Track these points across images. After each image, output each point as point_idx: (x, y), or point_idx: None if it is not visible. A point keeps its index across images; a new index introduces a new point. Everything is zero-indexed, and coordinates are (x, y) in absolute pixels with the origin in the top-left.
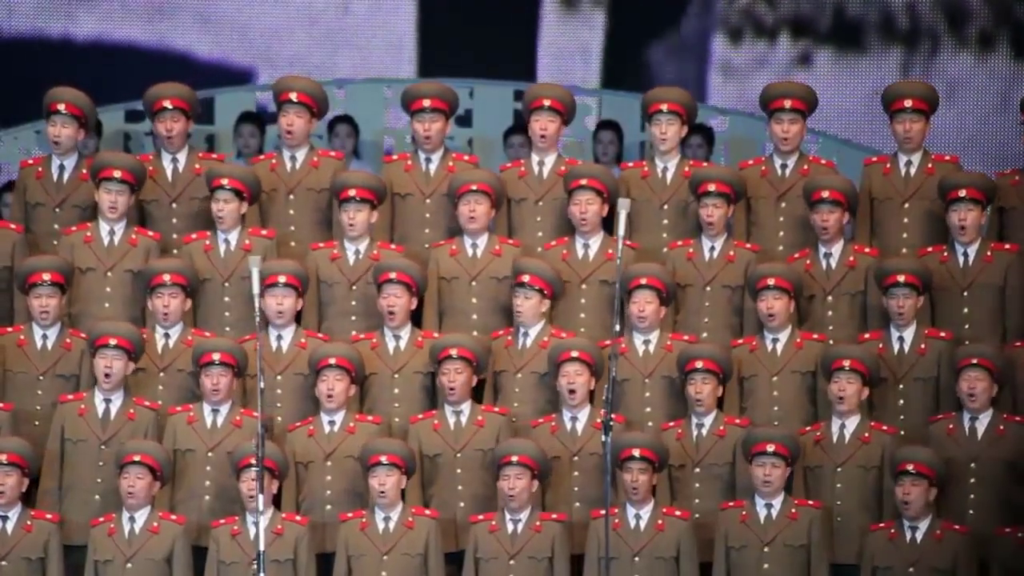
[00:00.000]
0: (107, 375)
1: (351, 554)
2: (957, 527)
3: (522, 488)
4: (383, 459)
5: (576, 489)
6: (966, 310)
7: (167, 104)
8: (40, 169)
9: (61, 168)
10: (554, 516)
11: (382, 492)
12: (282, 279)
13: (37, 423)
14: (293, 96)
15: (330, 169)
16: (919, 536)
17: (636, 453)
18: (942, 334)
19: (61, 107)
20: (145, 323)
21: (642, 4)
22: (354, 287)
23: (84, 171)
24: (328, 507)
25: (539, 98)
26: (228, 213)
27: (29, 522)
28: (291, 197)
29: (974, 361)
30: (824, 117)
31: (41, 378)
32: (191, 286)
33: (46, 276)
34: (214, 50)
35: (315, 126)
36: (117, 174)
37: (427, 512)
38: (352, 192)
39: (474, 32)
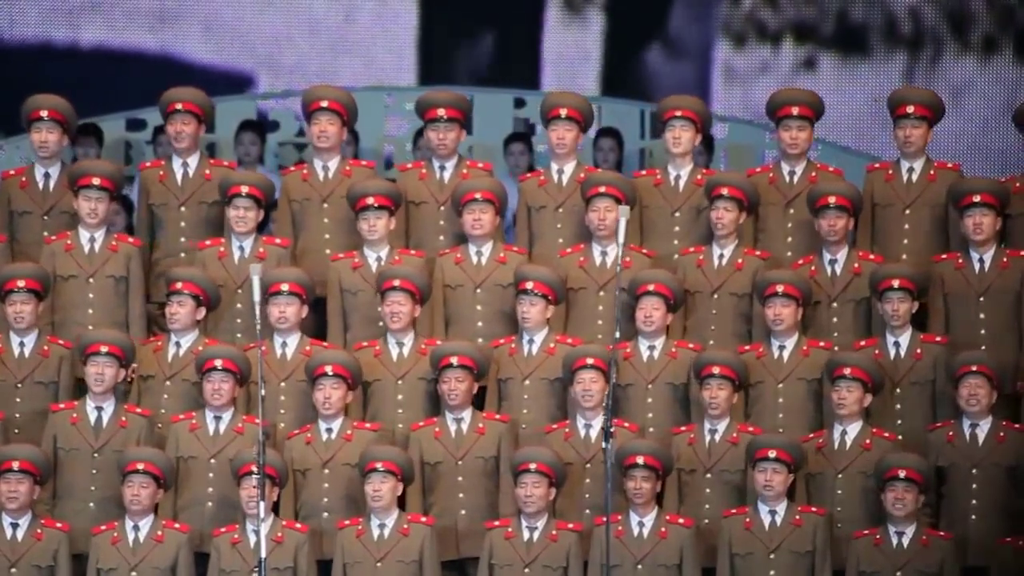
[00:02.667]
0: (98, 381)
1: (347, 561)
2: (942, 533)
3: (539, 496)
4: (379, 466)
5: (587, 496)
6: (982, 316)
7: (178, 106)
8: (24, 179)
9: (46, 176)
10: (570, 526)
11: (376, 498)
12: (285, 287)
13: (18, 431)
14: (324, 103)
15: (363, 178)
16: (906, 541)
17: (640, 460)
18: (938, 339)
19: (44, 114)
20: (129, 328)
21: (642, 9)
22: (378, 294)
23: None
24: (325, 514)
25: (556, 107)
26: (247, 220)
27: (39, 530)
28: (325, 206)
29: (973, 368)
30: (828, 122)
31: (19, 386)
32: (207, 295)
33: (20, 283)
34: (217, 57)
35: (346, 134)
36: (96, 181)
37: (423, 519)
38: (370, 200)
39: (475, 40)
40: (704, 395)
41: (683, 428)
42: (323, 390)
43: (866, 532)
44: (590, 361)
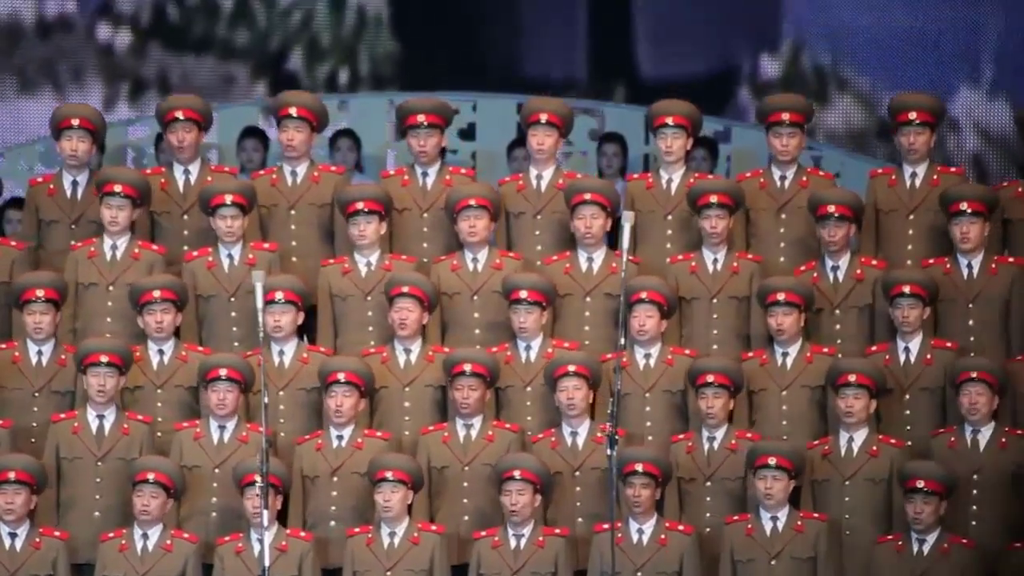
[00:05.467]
0: (100, 391)
1: (356, 570)
2: (964, 541)
3: (524, 503)
4: (389, 475)
5: (578, 504)
6: (971, 322)
7: (179, 115)
8: (52, 186)
9: (74, 184)
10: (557, 531)
11: (387, 507)
12: (279, 295)
13: (33, 440)
14: (293, 111)
15: (331, 184)
16: (926, 549)
17: (639, 468)
18: (948, 345)
19: (75, 122)
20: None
21: None
22: (369, 298)
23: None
24: (332, 523)
25: (536, 112)
26: (235, 229)
27: (38, 539)
28: (292, 212)
29: (973, 375)
30: None
31: (36, 395)
32: (181, 301)
33: (40, 292)
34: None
35: (316, 140)
36: (118, 188)
37: (433, 527)
38: (360, 205)
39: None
40: (700, 404)
41: (681, 436)
42: (335, 397)
43: (890, 537)
44: (571, 369)
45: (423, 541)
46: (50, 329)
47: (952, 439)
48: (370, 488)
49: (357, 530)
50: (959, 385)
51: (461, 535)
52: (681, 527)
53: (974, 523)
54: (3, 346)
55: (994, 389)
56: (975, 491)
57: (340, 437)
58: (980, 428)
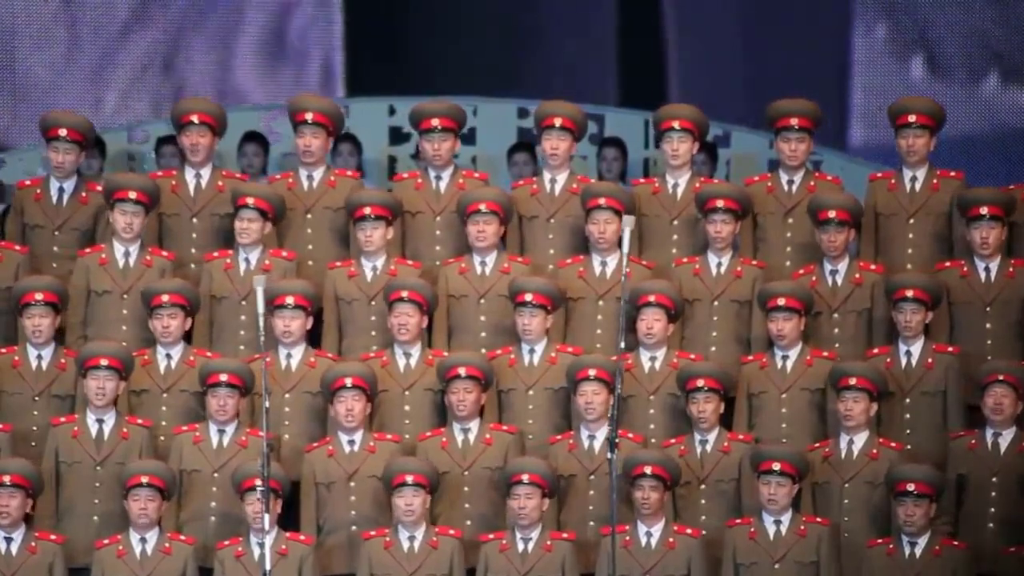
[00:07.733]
0: (99, 395)
1: (375, 573)
2: (956, 543)
3: (533, 507)
4: (409, 479)
5: (591, 508)
6: (989, 325)
7: (194, 118)
8: (38, 191)
9: (60, 190)
10: (564, 535)
11: (409, 511)
12: (290, 300)
13: (33, 444)
14: (309, 116)
15: (347, 188)
16: (918, 551)
17: (648, 471)
18: (949, 348)
19: (62, 132)
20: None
21: None
22: (372, 303)
23: (84, 193)
24: (353, 527)
25: (550, 117)
26: (251, 232)
27: (33, 543)
28: (308, 216)
29: (1000, 377)
30: None
31: (37, 398)
32: (191, 306)
33: (39, 296)
34: None
35: (331, 145)
36: (132, 195)
37: (451, 531)
38: (367, 210)
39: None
40: (692, 409)
41: (672, 440)
42: (344, 402)
43: (880, 541)
44: (592, 373)
45: (442, 545)
46: (49, 332)
47: (973, 441)
48: (388, 492)
49: (373, 533)
50: (985, 386)
51: (464, 540)
52: (689, 530)
53: (991, 525)
54: (3, 350)
55: (1019, 392)
56: (993, 493)
57: (352, 442)
58: (1002, 431)
